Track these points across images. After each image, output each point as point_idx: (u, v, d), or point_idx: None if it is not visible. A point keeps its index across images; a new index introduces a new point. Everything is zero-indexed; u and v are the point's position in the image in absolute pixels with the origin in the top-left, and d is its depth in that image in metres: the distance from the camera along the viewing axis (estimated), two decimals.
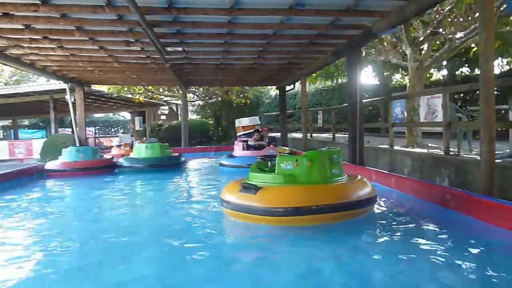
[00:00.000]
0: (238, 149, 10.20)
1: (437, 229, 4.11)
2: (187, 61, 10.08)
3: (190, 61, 10.13)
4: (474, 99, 12.66)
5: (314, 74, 13.82)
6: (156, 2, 5.79)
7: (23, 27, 6.81)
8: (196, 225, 4.65)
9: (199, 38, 7.70)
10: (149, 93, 21.57)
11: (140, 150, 10.03)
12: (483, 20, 4.48)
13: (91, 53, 8.89)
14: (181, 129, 18.09)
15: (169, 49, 8.30)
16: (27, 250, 3.87)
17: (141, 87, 19.75)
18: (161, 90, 21.35)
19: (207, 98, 22.40)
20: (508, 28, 9.64)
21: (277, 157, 4.63)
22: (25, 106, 19.27)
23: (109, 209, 6.05)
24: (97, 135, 31.05)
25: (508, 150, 6.37)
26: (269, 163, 4.91)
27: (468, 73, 14.83)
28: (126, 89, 19.80)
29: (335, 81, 18.27)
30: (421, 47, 10.02)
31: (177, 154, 10.81)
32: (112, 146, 15.68)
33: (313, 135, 15.45)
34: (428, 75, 12.87)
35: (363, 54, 10.93)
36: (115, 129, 40.64)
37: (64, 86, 12.45)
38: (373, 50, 11.55)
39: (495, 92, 4.74)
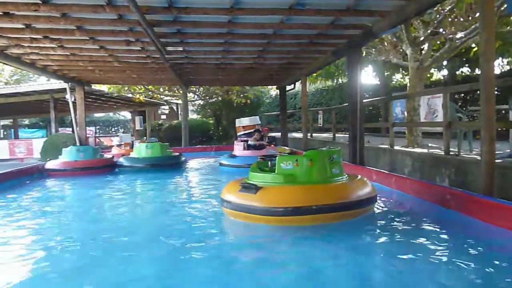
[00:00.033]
0: (238, 149, 10.19)
1: (437, 229, 4.12)
2: (187, 61, 10.08)
3: (190, 61, 10.13)
4: (474, 99, 12.66)
5: (315, 74, 13.82)
6: (156, 2, 5.79)
7: (24, 27, 6.82)
8: (196, 225, 4.65)
9: (199, 37, 7.70)
10: (150, 93, 21.57)
11: (141, 150, 10.03)
12: (484, 20, 4.48)
13: (92, 52, 8.89)
14: (182, 128, 18.12)
15: (169, 48, 8.30)
16: (27, 249, 3.87)
17: (142, 86, 19.75)
18: (161, 89, 21.35)
19: (207, 97, 22.40)
20: (508, 28, 9.64)
21: (277, 157, 4.63)
22: (26, 105, 19.29)
23: (110, 209, 6.06)
24: (97, 135, 31.04)
25: (509, 150, 6.37)
26: (269, 163, 4.91)
27: (468, 73, 14.83)
28: (126, 88, 19.80)
29: (335, 81, 18.27)
30: (422, 47, 10.01)
31: (177, 153, 10.81)
32: (113, 146, 15.71)
33: (314, 135, 15.45)
34: (428, 75, 12.88)
35: (364, 54, 10.92)
36: (116, 128, 40.69)
37: (65, 85, 12.45)
38: (373, 50, 11.55)
39: (496, 92, 4.74)
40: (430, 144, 9.18)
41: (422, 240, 3.79)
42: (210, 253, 3.64)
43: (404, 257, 3.37)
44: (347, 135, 8.87)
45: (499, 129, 7.53)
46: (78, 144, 11.89)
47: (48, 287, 3.02)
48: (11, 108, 20.03)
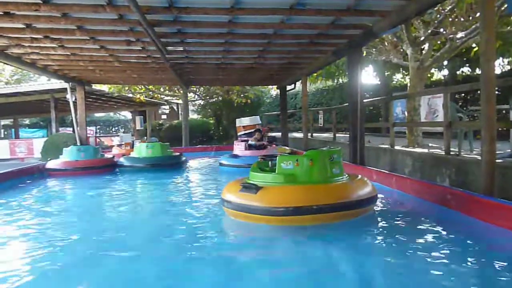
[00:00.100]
0: (239, 149, 10.15)
1: (438, 229, 4.12)
2: (187, 61, 10.09)
3: (190, 61, 10.13)
4: (475, 99, 12.66)
5: (315, 74, 13.82)
6: (156, 2, 5.79)
7: (24, 26, 6.82)
8: (197, 225, 4.65)
9: (200, 37, 7.70)
10: (150, 93, 21.58)
11: (141, 150, 10.03)
12: (484, 20, 4.47)
13: (92, 52, 8.89)
14: (182, 128, 18.14)
15: (169, 48, 8.31)
16: (27, 248, 3.88)
17: (142, 86, 19.76)
18: (162, 89, 21.36)
19: (207, 97, 22.41)
20: (509, 28, 9.63)
21: (277, 157, 4.63)
22: (26, 105, 19.31)
23: (110, 208, 6.06)
24: (98, 135, 31.05)
25: (509, 150, 6.37)
26: (269, 162, 4.91)
27: (469, 73, 14.82)
28: (127, 88, 19.81)
29: (335, 81, 18.26)
30: (422, 47, 10.01)
31: (177, 153, 10.81)
32: (113, 146, 15.71)
33: (314, 134, 15.45)
34: (429, 75, 12.87)
35: (364, 54, 10.92)
36: (116, 128, 40.70)
37: (65, 85, 12.46)
38: (374, 49, 11.55)
39: (496, 92, 4.73)
40: (430, 144, 9.18)
41: (422, 240, 3.80)
42: (210, 253, 3.64)
43: (404, 257, 3.37)
44: (348, 135, 8.87)
45: (500, 129, 7.53)
46: (78, 144, 11.89)
47: (48, 286, 3.03)
48: (11, 107, 20.05)
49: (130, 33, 7.30)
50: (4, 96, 16.62)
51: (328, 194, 4.21)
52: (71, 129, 20.42)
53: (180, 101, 23.70)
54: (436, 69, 15.64)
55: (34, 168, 9.19)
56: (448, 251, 3.43)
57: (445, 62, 13.88)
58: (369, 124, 11.38)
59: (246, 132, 12.29)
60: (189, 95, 20.82)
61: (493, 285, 2.80)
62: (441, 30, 9.54)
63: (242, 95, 19.90)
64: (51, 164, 9.37)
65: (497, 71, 13.49)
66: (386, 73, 16.81)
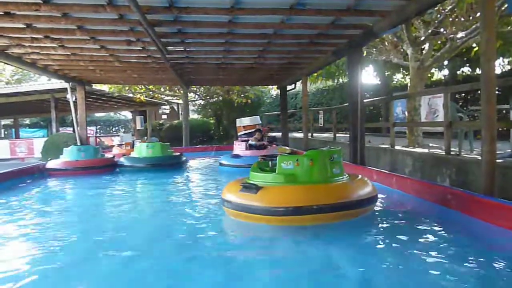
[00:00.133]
0: (240, 149, 10.10)
1: (438, 229, 4.11)
2: (188, 61, 10.09)
3: (191, 61, 10.13)
4: (475, 99, 12.65)
5: (315, 74, 13.81)
6: (157, 2, 5.79)
7: (25, 26, 6.82)
8: (197, 225, 4.65)
9: (200, 37, 7.70)
10: (150, 93, 21.58)
11: (141, 150, 10.04)
12: (484, 20, 4.47)
13: (92, 52, 8.90)
14: (182, 128, 18.15)
15: (170, 48, 8.31)
16: (27, 248, 3.89)
17: (142, 86, 19.76)
18: (162, 89, 21.36)
19: (208, 97, 22.41)
20: (509, 28, 9.63)
21: (278, 157, 4.63)
22: (27, 105, 19.32)
23: (110, 208, 6.06)
24: (98, 134, 31.05)
25: (509, 150, 6.37)
26: (269, 162, 4.91)
27: (469, 73, 14.81)
28: (127, 88, 19.80)
29: (336, 81, 18.25)
30: (422, 47, 10.01)
31: (178, 153, 10.81)
32: (113, 146, 15.72)
33: (314, 134, 15.46)
34: (429, 75, 12.87)
35: (364, 54, 10.92)
36: (116, 128, 40.69)
37: (65, 85, 12.46)
38: (374, 49, 11.55)
39: (496, 92, 4.73)
40: (431, 144, 9.18)
41: (422, 240, 3.80)
42: (211, 253, 3.65)
43: (404, 257, 3.37)
44: (348, 135, 8.87)
45: (500, 129, 7.52)
46: (79, 143, 11.89)
47: (49, 286, 3.03)
48: (12, 107, 20.06)
49: (130, 33, 7.30)
50: (5, 96, 16.63)
51: (328, 194, 4.21)
52: (71, 129, 20.40)
53: (180, 101, 23.70)
54: (437, 69, 15.64)
55: (34, 168, 9.20)
56: (448, 251, 3.43)
57: (446, 62, 13.88)
58: (369, 124, 11.38)
59: (246, 132, 12.29)
60: (189, 95, 20.83)
61: (493, 285, 2.80)
62: (442, 30, 9.54)
63: (242, 95, 19.90)
64: (52, 164, 9.38)
65: (498, 71, 13.47)
66: (386, 73, 16.81)
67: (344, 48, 8.30)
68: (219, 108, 21.68)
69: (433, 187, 5.15)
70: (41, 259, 3.55)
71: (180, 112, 27.14)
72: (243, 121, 12.90)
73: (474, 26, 8.55)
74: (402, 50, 10.65)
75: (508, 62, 15.20)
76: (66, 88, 12.77)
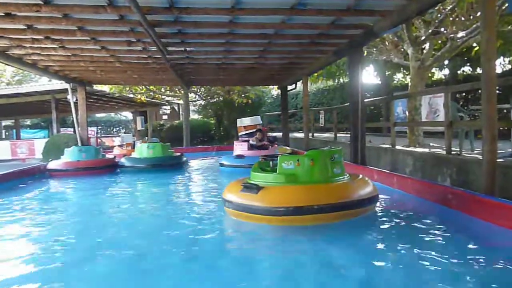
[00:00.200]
0: (242, 149, 10.04)
1: (439, 229, 4.11)
2: (188, 61, 10.09)
3: (191, 61, 10.13)
4: (476, 98, 12.63)
5: (316, 74, 13.81)
6: (157, 2, 5.80)
7: (25, 27, 6.83)
8: (198, 225, 4.65)
9: (200, 38, 7.70)
10: (151, 93, 21.61)
11: (142, 150, 10.05)
12: (485, 19, 4.47)
13: (93, 53, 8.90)
14: (183, 128, 18.15)
15: (170, 49, 8.31)
16: (28, 248, 3.89)
17: (143, 87, 19.78)
18: (162, 90, 21.38)
19: (208, 97, 22.42)
20: (510, 27, 9.62)
21: (278, 157, 4.63)
22: (27, 106, 19.34)
23: (111, 209, 6.06)
24: (99, 135, 31.07)
25: (510, 150, 6.37)
26: (270, 162, 4.91)
27: (469, 72, 14.80)
28: (127, 89, 19.83)
29: (336, 81, 18.23)
30: (423, 46, 10.00)
31: (178, 154, 10.82)
32: (114, 146, 15.72)
33: (315, 134, 15.46)
34: (429, 75, 12.87)
35: (365, 54, 10.91)
36: (117, 129, 40.71)
37: (66, 86, 12.48)
38: (374, 49, 11.55)
39: (497, 91, 4.72)
40: (431, 144, 9.17)
41: (423, 239, 3.79)
42: (211, 253, 3.64)
43: (405, 256, 3.38)
44: (349, 135, 8.86)
45: (501, 128, 7.53)
46: (79, 144, 11.89)
47: (49, 285, 3.04)
48: (13, 108, 20.08)
49: (130, 34, 7.30)
50: (5, 97, 16.65)
51: (329, 194, 4.21)
52: (72, 129, 20.43)
53: (181, 102, 23.71)
54: (437, 69, 15.63)
55: (35, 169, 9.21)
56: (448, 251, 3.43)
57: (446, 62, 13.88)
58: (370, 124, 11.38)
59: (247, 132, 12.28)
60: (190, 95, 20.83)
61: (494, 284, 2.80)
62: (442, 29, 9.54)
63: (243, 95, 19.90)
64: (53, 164, 9.39)
65: (498, 70, 13.47)
66: (387, 73, 16.80)
67: (345, 48, 8.30)
68: (219, 108, 21.68)
69: (433, 186, 5.15)
70: (42, 259, 3.56)
71: (180, 112, 27.14)
72: (244, 121, 12.88)
73: (474, 26, 8.55)
74: (402, 49, 10.65)
75: (509, 61, 15.17)
76: (66, 89, 12.80)
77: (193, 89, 20.82)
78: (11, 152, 16.56)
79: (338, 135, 12.71)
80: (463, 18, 8.88)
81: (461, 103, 12.73)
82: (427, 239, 3.81)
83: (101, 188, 7.85)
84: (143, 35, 7.09)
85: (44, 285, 2.98)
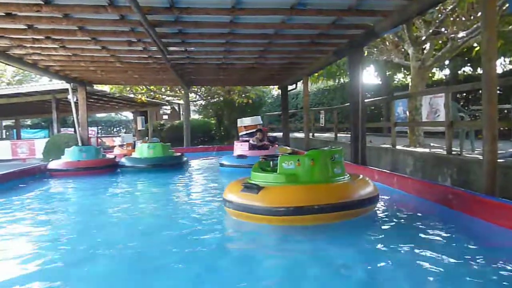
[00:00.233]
0: (243, 149, 10.01)
1: (439, 229, 4.11)
2: (189, 61, 10.10)
3: (192, 61, 10.14)
4: (476, 99, 12.63)
5: (316, 74, 13.82)
6: (158, 2, 5.80)
7: (26, 27, 6.83)
8: (198, 225, 4.65)
9: (201, 38, 7.70)
10: (151, 93, 21.61)
11: (142, 150, 10.05)
12: (486, 19, 4.47)
13: (94, 53, 8.91)
14: (183, 128, 18.15)
15: (171, 49, 8.31)
16: (28, 248, 3.89)
17: (143, 87, 19.78)
18: (163, 90, 21.39)
19: (209, 97, 22.43)
20: (510, 27, 9.61)
21: (279, 157, 4.63)
22: (28, 106, 19.35)
23: (111, 209, 6.05)
24: (99, 135, 31.08)
25: (511, 150, 6.36)
26: (271, 162, 4.91)
27: (470, 73, 14.80)
28: (128, 89, 19.84)
29: (337, 81, 18.26)
30: (423, 47, 10.00)
31: (179, 154, 10.82)
32: (115, 146, 15.72)
33: (315, 134, 15.46)
34: (430, 75, 12.87)
35: (365, 54, 10.91)
36: (117, 129, 40.75)
37: (67, 86, 12.48)
38: (375, 49, 11.55)
39: (498, 92, 4.72)
40: (432, 144, 9.17)
41: (423, 240, 3.79)
42: (211, 253, 3.64)
43: (405, 257, 3.37)
44: (349, 135, 8.86)
45: (501, 128, 7.53)
46: (80, 144, 11.90)
47: (49, 285, 3.04)
48: (13, 108, 20.09)
49: (131, 34, 7.30)
50: (6, 96, 16.66)
51: (329, 194, 4.21)
52: (72, 129, 20.43)
53: (181, 102, 23.72)
54: (438, 69, 15.63)
55: (36, 169, 9.21)
56: (449, 251, 3.43)
57: (447, 62, 13.87)
58: (370, 124, 11.38)
59: (247, 132, 12.27)
60: (190, 95, 20.83)
61: (494, 285, 2.79)
62: (443, 29, 9.53)
63: (243, 95, 19.91)
64: (53, 164, 9.39)
65: (499, 70, 13.46)
66: (387, 73, 16.80)
67: (345, 48, 8.30)
68: (220, 108, 21.69)
69: (434, 186, 5.14)
70: (42, 259, 3.55)
71: (181, 112, 27.14)
72: (244, 121, 12.88)
73: (475, 26, 8.55)
74: (403, 50, 10.65)
75: (509, 61, 15.18)
76: (67, 89, 12.80)
77: (193, 89, 20.82)
78: (12, 152, 16.56)
79: (338, 135, 12.71)
80: (463, 18, 8.87)
81: (461, 103, 12.72)
82: (427, 239, 3.81)
83: (101, 188, 7.85)
84: (143, 35, 7.10)
85: (44, 285, 2.98)
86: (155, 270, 3.23)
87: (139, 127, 20.14)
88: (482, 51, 4.58)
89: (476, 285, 2.82)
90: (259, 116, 13.90)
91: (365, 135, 8.01)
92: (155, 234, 4.42)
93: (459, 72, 14.79)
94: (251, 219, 4.28)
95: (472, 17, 8.79)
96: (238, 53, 9.36)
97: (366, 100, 8.57)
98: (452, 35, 9.10)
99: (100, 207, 6.19)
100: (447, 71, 15.58)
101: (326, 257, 3.45)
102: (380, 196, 4.80)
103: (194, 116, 27.20)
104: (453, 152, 6.42)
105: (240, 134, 12.66)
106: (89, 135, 14.86)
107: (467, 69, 15.19)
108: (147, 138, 17.17)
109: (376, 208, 4.85)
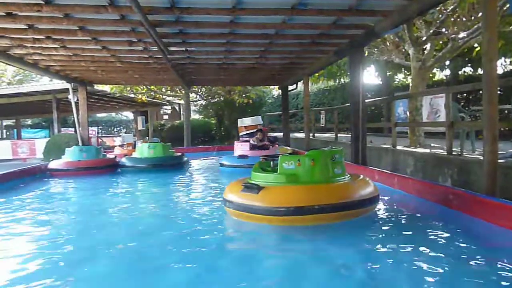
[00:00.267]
0: (243, 149, 10.01)
1: (439, 229, 4.11)
2: (189, 61, 10.10)
3: (192, 61, 10.14)
4: (477, 99, 12.63)
5: (317, 74, 13.82)
6: (158, 2, 5.80)
7: (26, 27, 6.83)
8: (198, 225, 4.65)
9: (202, 38, 7.70)
10: (152, 93, 21.60)
11: (143, 150, 10.05)
12: (486, 20, 4.47)
13: (94, 53, 8.91)
14: (184, 128, 18.16)
15: (171, 48, 8.31)
16: (28, 248, 3.89)
17: (144, 87, 19.78)
18: (163, 90, 21.38)
19: (209, 97, 22.43)
20: (511, 27, 9.61)
21: (279, 157, 4.63)
22: (28, 105, 19.35)
23: (111, 208, 6.06)
24: (99, 135, 31.10)
25: (511, 150, 6.35)
26: (271, 162, 4.91)
27: (471, 73, 14.80)
28: (128, 88, 19.82)
29: (337, 81, 18.26)
30: (424, 47, 9.99)
31: (179, 154, 10.82)
32: (115, 146, 15.73)
33: (316, 135, 15.45)
34: (431, 75, 12.87)
35: (366, 54, 10.90)
36: (118, 128, 40.77)
37: (67, 85, 12.49)
38: (375, 49, 11.54)
39: (498, 92, 4.72)
40: (432, 144, 9.16)
41: (423, 240, 3.79)
42: (211, 253, 3.64)
43: (405, 257, 3.37)
44: (350, 135, 8.86)
45: (502, 129, 7.52)
46: (80, 144, 11.90)
47: (49, 285, 3.04)
48: (13, 108, 20.09)
49: (132, 34, 7.30)
50: (6, 96, 16.66)
51: (329, 194, 4.21)
52: (73, 129, 20.46)
53: (182, 102, 23.71)
54: (438, 69, 15.64)
55: (36, 169, 9.21)
56: (449, 251, 3.43)
57: (447, 62, 13.87)
58: (371, 124, 11.37)
59: (248, 132, 12.27)
60: (190, 95, 20.83)
61: (494, 285, 2.79)
62: (443, 30, 9.52)
63: (243, 95, 19.91)
64: (53, 164, 9.40)
65: (499, 71, 13.47)
66: (388, 73, 16.80)
67: (346, 48, 8.29)
68: (220, 109, 21.69)
69: (434, 187, 5.14)
70: (42, 258, 3.55)
71: (181, 112, 27.15)
72: (245, 121, 12.88)
73: (475, 26, 8.54)
74: (403, 50, 10.64)
75: (510, 62, 15.18)
76: (67, 89, 12.81)
77: (194, 89, 20.82)
78: (12, 151, 16.57)
79: (339, 135, 12.71)
80: (464, 19, 8.86)
81: (462, 103, 12.72)
82: (427, 239, 3.80)
83: (101, 188, 7.85)
84: (144, 35, 7.10)
85: (44, 285, 2.98)
86: (155, 270, 3.23)
87: (140, 127, 20.16)
88: (482, 51, 4.58)
89: (476, 285, 2.82)
90: (260, 116, 13.91)
91: (365, 135, 8.00)
92: (155, 234, 4.42)
93: (460, 72, 14.79)
94: (252, 219, 4.28)
95: (472, 18, 8.78)
96: (238, 53, 9.36)
97: (366, 100, 8.57)
98: (453, 36, 9.09)
99: (101, 207, 6.19)
100: (447, 72, 15.58)
101: (326, 257, 3.45)
102: (380, 197, 4.80)
103: (195, 116, 27.20)
104: (453, 153, 6.42)
105: (240, 134, 12.66)
106: (90, 135, 14.86)
107: (468, 70, 15.19)
108: (147, 138, 17.19)
109: (377, 209, 4.85)
